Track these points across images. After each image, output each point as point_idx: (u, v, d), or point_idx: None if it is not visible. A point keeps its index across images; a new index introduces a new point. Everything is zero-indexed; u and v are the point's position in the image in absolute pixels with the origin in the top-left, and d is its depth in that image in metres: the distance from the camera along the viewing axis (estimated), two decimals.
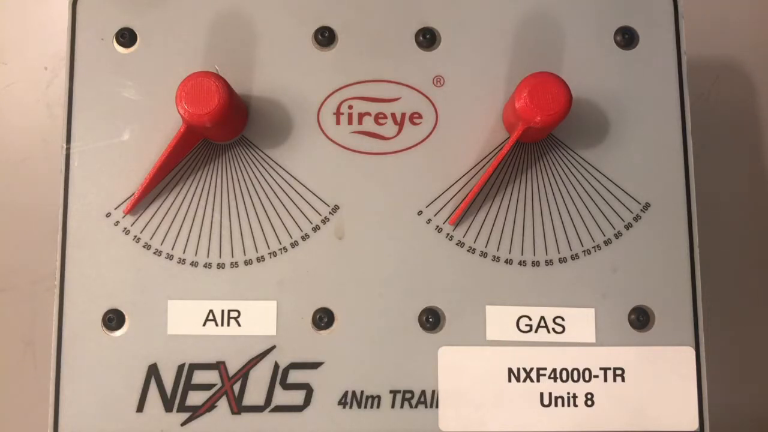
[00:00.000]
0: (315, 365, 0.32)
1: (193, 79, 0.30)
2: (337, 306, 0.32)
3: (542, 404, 0.32)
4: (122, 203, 0.33)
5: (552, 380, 0.32)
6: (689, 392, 0.32)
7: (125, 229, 0.32)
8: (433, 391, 0.32)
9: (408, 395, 0.32)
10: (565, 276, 0.33)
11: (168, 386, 0.32)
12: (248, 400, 0.32)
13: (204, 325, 0.32)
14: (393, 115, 0.33)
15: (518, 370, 0.32)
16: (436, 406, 0.32)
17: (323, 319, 0.32)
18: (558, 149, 0.33)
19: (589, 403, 0.32)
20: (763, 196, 0.48)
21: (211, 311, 0.32)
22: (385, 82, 0.34)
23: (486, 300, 0.32)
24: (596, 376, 0.32)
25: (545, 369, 0.32)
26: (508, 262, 0.33)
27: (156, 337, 0.32)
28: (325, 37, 0.34)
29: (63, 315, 0.32)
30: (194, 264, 0.32)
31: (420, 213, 0.33)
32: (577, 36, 0.34)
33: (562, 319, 0.32)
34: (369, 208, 0.33)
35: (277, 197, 0.33)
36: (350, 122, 0.33)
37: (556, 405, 0.32)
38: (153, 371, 0.32)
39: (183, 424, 0.31)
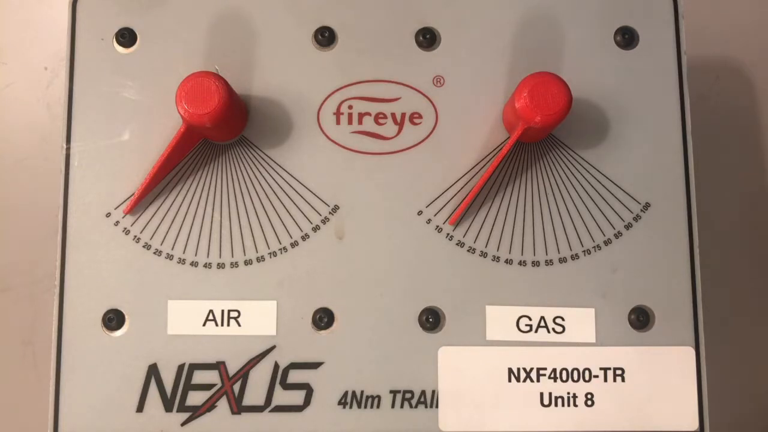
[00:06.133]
0: (315, 365, 0.32)
1: (193, 79, 0.30)
2: (337, 306, 0.32)
3: (542, 404, 0.32)
4: (122, 203, 0.33)
5: (552, 380, 0.32)
6: (689, 392, 0.32)
7: (125, 229, 0.32)
8: (433, 391, 0.32)
9: (408, 395, 0.32)
10: (565, 276, 0.33)
11: (168, 386, 0.32)
12: (248, 400, 0.32)
13: (204, 325, 0.32)
14: (393, 115, 0.33)
15: (518, 370, 0.32)
16: (436, 406, 0.32)
17: (323, 319, 0.32)
18: (558, 149, 0.33)
19: (589, 403, 0.32)
20: (763, 196, 0.48)
21: (211, 311, 0.32)
22: (385, 82, 0.34)
23: (486, 300, 0.32)
24: (596, 376, 0.32)
25: (545, 369, 0.32)
26: (508, 262, 0.33)
27: (156, 337, 0.32)
28: (325, 37, 0.34)
29: (63, 315, 0.32)
30: (194, 264, 0.32)
31: (420, 213, 0.33)
32: (577, 36, 0.34)
33: (562, 319, 0.32)
34: (369, 208, 0.33)
35: (277, 197, 0.33)
36: (350, 122, 0.33)
37: (556, 405, 0.32)
38: (153, 371, 0.32)
39: (183, 424, 0.31)
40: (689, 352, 0.32)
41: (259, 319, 0.32)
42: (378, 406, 0.32)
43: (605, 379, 0.32)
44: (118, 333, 0.32)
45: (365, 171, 0.33)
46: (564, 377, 0.32)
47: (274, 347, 0.32)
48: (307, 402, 0.32)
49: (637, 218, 0.33)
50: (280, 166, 0.33)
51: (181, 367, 0.32)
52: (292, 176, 0.33)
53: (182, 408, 0.32)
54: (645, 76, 0.34)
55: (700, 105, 0.48)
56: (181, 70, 0.33)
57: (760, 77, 0.49)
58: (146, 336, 0.32)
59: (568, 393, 0.32)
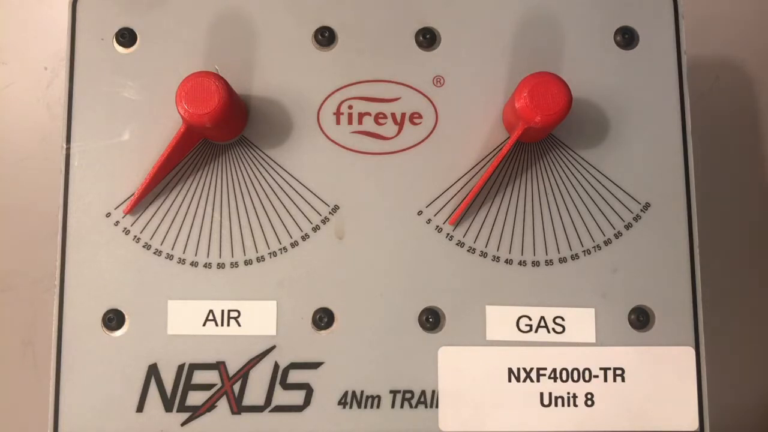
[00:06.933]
0: (315, 365, 0.32)
1: (193, 79, 0.30)
2: (337, 306, 0.32)
3: (542, 404, 0.32)
4: (122, 203, 0.33)
5: (552, 380, 0.32)
6: (689, 392, 0.32)
7: (125, 229, 0.32)
8: (433, 391, 0.32)
9: (408, 395, 0.32)
10: (565, 276, 0.33)
11: (168, 386, 0.32)
12: (248, 400, 0.32)
13: (204, 325, 0.32)
14: (393, 115, 0.33)
15: (518, 370, 0.32)
16: (436, 406, 0.32)
17: (323, 319, 0.32)
18: (558, 149, 0.33)
19: (589, 403, 0.32)
20: (763, 196, 0.48)
21: (211, 311, 0.32)
22: (385, 82, 0.34)
23: (486, 300, 0.32)
24: (596, 376, 0.32)
25: (545, 369, 0.32)
26: (508, 262, 0.33)
27: (156, 337, 0.32)
28: (325, 37, 0.34)
29: (63, 315, 0.32)
30: (194, 264, 0.32)
31: (420, 213, 0.33)
32: (577, 36, 0.34)
33: (562, 319, 0.32)
34: (369, 208, 0.33)
35: (277, 197, 0.33)
36: (350, 122, 0.33)
37: (556, 405, 0.32)
38: (153, 371, 0.32)
39: (183, 424, 0.31)
40: (689, 352, 0.32)
41: (259, 319, 0.32)
42: (378, 406, 0.32)
43: (605, 379, 0.32)
44: (118, 333, 0.32)
45: (365, 171, 0.33)
46: (564, 377, 0.32)
47: (274, 347, 0.32)
48: (307, 402, 0.32)
49: (637, 218, 0.33)
50: (280, 166, 0.33)
51: (181, 367, 0.32)
52: (292, 176, 0.33)
53: (182, 408, 0.32)
54: (645, 76, 0.34)
55: (700, 105, 0.48)
56: (181, 70, 0.33)
57: (760, 77, 0.49)
58: (146, 336, 0.32)
59: (568, 393, 0.32)
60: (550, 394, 0.32)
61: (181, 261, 0.32)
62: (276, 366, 0.32)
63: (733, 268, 0.47)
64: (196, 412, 0.32)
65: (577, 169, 0.33)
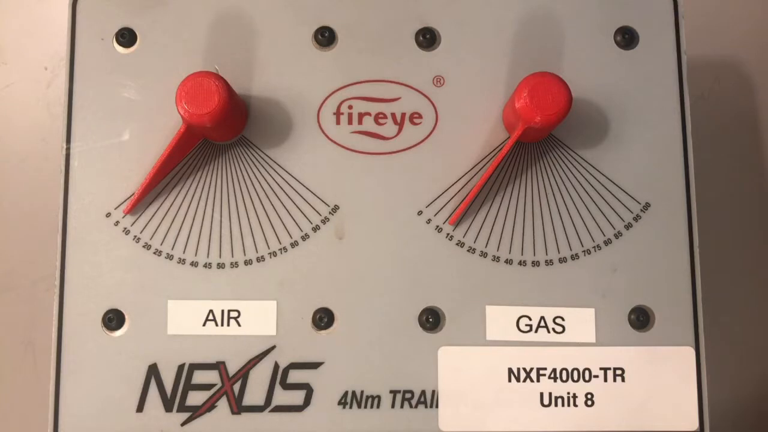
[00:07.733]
0: (315, 365, 0.32)
1: (193, 79, 0.30)
2: (337, 306, 0.32)
3: (542, 404, 0.32)
4: (122, 203, 0.33)
5: (552, 380, 0.32)
6: (689, 392, 0.32)
7: (125, 229, 0.32)
8: (433, 391, 0.32)
9: (408, 395, 0.32)
10: (565, 276, 0.33)
11: (168, 386, 0.32)
12: (248, 400, 0.32)
13: (204, 325, 0.32)
14: (393, 115, 0.33)
15: (518, 370, 0.32)
16: (436, 406, 0.32)
17: (323, 319, 0.32)
18: (558, 149, 0.33)
19: (589, 403, 0.32)
20: (763, 196, 0.48)
21: (211, 311, 0.32)
22: (385, 82, 0.34)
23: (486, 300, 0.32)
24: (596, 376, 0.32)
25: (545, 369, 0.32)
26: (508, 262, 0.33)
27: (156, 337, 0.32)
28: (325, 37, 0.34)
29: (63, 315, 0.32)
30: (194, 264, 0.32)
31: (420, 213, 0.33)
32: (577, 36, 0.34)
33: (562, 319, 0.32)
34: (369, 208, 0.33)
35: (277, 197, 0.33)
36: (350, 122, 0.33)
37: (556, 405, 0.32)
38: (153, 371, 0.32)
39: (183, 424, 0.31)
40: (689, 352, 0.32)
41: (259, 319, 0.32)
42: (378, 406, 0.32)
43: (605, 379, 0.32)
44: (118, 333, 0.32)
45: (365, 171, 0.33)
46: (564, 377, 0.32)
47: (274, 347, 0.32)
48: (307, 402, 0.32)
49: (637, 218, 0.33)
50: (280, 166, 0.33)
51: (181, 367, 0.32)
52: (292, 176, 0.33)
53: (182, 408, 0.32)
54: (645, 76, 0.34)
55: (700, 105, 0.48)
56: (181, 70, 0.33)
57: (760, 77, 0.49)
58: (146, 336, 0.32)
59: (568, 393, 0.32)
60: (550, 394, 0.32)
61: (181, 261, 0.32)
62: (276, 366, 0.32)
63: (733, 268, 0.47)
64: (196, 412, 0.32)
65: (577, 169, 0.33)
